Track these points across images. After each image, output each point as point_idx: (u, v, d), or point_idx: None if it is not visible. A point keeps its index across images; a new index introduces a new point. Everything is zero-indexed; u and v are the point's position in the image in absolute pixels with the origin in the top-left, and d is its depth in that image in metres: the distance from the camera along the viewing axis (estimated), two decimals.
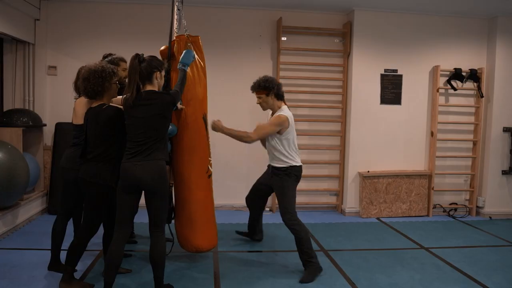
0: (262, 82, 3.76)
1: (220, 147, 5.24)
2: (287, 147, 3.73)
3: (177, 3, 3.66)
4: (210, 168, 3.60)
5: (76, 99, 3.38)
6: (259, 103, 3.84)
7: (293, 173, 3.73)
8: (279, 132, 3.68)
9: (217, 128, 3.67)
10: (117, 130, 2.97)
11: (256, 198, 4.23)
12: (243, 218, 5.30)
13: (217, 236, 3.77)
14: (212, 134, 3.70)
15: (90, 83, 3.02)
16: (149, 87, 2.94)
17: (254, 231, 4.42)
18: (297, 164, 3.76)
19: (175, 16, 3.68)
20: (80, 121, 3.19)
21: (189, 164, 3.51)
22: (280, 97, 3.83)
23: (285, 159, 3.72)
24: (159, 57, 3.20)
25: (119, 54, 3.88)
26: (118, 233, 2.91)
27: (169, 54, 3.50)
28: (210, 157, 3.64)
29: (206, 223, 3.62)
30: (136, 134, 2.87)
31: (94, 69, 3.04)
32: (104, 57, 3.88)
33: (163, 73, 3.03)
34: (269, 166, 3.95)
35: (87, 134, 3.06)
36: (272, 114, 3.89)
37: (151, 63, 2.93)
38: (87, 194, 3.07)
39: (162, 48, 3.60)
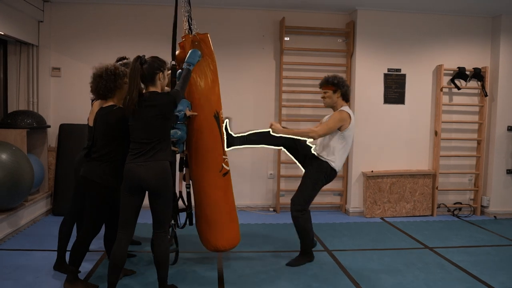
0: (331, 79, 3.83)
1: None
2: (339, 147, 3.75)
3: (185, 5, 3.65)
4: (225, 166, 3.55)
5: (93, 100, 3.39)
6: (323, 97, 3.88)
7: (328, 173, 3.76)
8: (339, 128, 3.72)
9: (276, 131, 3.71)
10: (124, 131, 2.98)
11: None
12: (247, 219, 5.32)
13: (239, 236, 3.71)
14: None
15: (103, 79, 3.05)
16: (152, 89, 2.95)
17: None
18: (336, 168, 3.78)
19: (184, 18, 3.67)
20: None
21: (201, 163, 3.50)
22: (346, 98, 3.88)
23: (327, 154, 3.75)
24: (165, 57, 3.19)
25: (129, 57, 3.85)
26: (121, 234, 2.91)
27: (173, 54, 3.50)
28: (226, 155, 3.59)
29: (224, 223, 3.57)
30: (139, 135, 2.88)
31: (107, 67, 3.09)
32: (118, 60, 3.87)
33: (165, 73, 3.04)
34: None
35: (94, 133, 3.07)
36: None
37: (152, 64, 2.93)
38: (88, 194, 3.08)
39: (177, 52, 3.59)
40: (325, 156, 3.77)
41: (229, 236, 3.61)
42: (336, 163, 3.77)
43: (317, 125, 3.89)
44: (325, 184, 3.87)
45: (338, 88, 3.81)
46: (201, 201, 3.55)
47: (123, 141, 2.99)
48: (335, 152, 3.75)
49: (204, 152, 3.49)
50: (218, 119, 3.54)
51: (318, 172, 3.78)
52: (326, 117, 3.97)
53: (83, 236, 3.10)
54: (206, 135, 3.49)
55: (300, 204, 3.78)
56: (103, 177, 2.99)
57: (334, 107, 3.89)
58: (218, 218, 3.55)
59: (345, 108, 3.82)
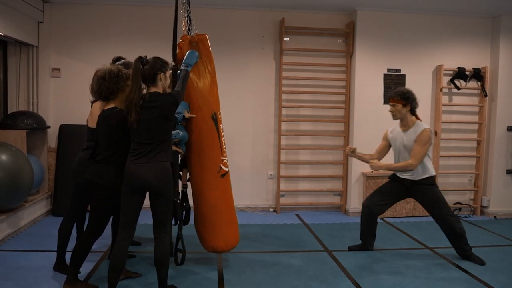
0: (403, 93, 3.87)
1: None
2: (428, 159, 3.89)
3: (184, 6, 3.65)
4: (223, 167, 3.55)
5: (92, 102, 3.39)
6: (392, 111, 3.94)
7: (434, 182, 3.96)
8: None
9: (375, 167, 3.83)
10: (126, 133, 2.97)
11: (379, 210, 4.13)
12: (247, 219, 5.32)
13: (238, 237, 3.70)
14: (226, 133, 3.70)
15: (106, 81, 3.05)
16: (153, 89, 2.95)
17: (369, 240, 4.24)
18: (434, 174, 3.95)
19: (184, 18, 3.67)
20: (96, 124, 3.20)
21: (198, 164, 3.50)
22: (413, 112, 3.94)
23: (427, 171, 3.89)
24: (165, 58, 3.19)
25: (128, 58, 3.83)
26: (121, 234, 2.91)
27: (174, 55, 3.51)
28: (224, 156, 3.58)
29: (222, 224, 3.56)
30: (140, 136, 2.88)
31: (110, 69, 3.09)
32: (114, 60, 3.85)
33: (167, 73, 3.03)
34: (398, 179, 4.03)
35: (97, 136, 3.08)
36: (404, 128, 3.96)
37: (154, 65, 2.93)
38: (93, 196, 3.08)
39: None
40: (426, 175, 3.90)
41: (228, 237, 3.60)
42: (432, 170, 3.92)
43: (411, 156, 3.85)
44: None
45: (408, 102, 3.86)
46: (199, 202, 3.56)
47: (126, 143, 2.99)
48: (428, 165, 3.90)
49: (201, 153, 3.49)
50: (216, 120, 3.54)
51: (434, 187, 3.95)
52: (402, 138, 3.96)
53: (86, 237, 3.10)
54: (204, 136, 3.49)
55: (449, 210, 3.99)
56: (108, 180, 2.99)
57: (403, 120, 3.94)
58: (216, 219, 3.55)
59: (423, 124, 3.87)
